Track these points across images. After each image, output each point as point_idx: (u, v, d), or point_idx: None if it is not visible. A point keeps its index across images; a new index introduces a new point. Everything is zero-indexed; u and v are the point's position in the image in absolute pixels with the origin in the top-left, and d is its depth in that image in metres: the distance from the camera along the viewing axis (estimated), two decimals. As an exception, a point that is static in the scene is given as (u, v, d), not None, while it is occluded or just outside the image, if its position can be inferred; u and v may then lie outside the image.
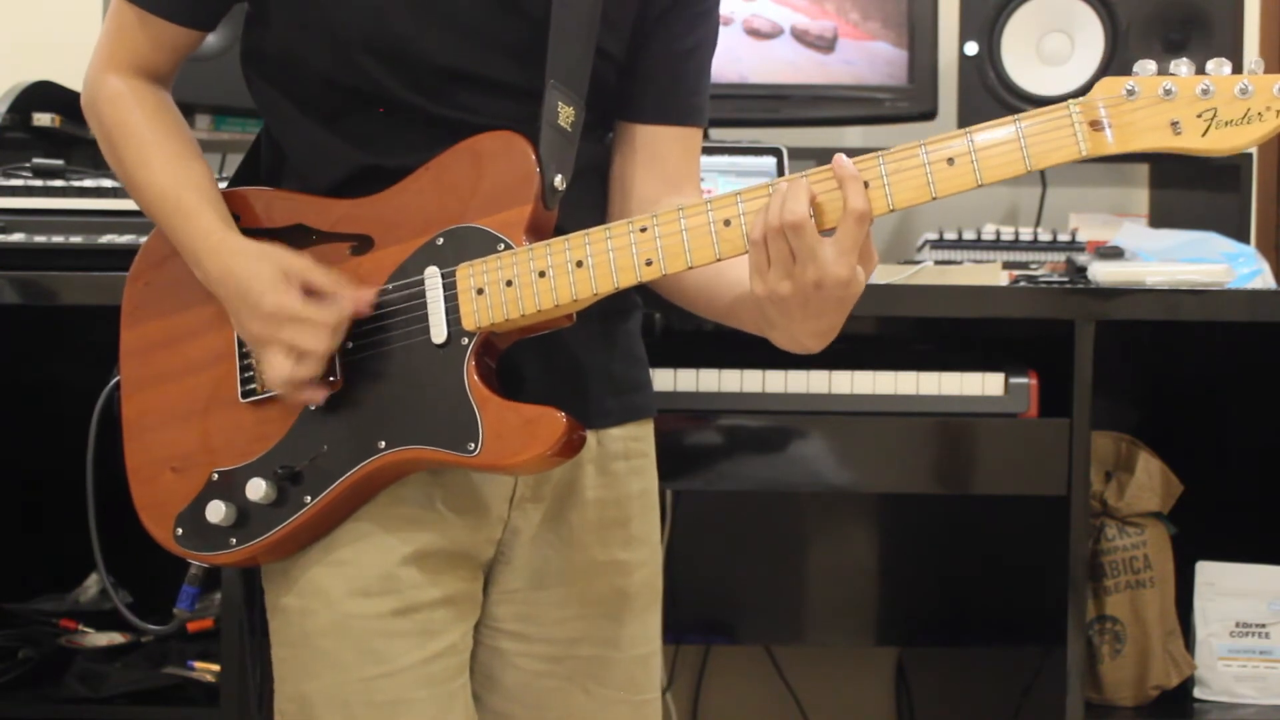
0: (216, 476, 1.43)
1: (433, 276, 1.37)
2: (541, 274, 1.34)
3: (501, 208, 1.37)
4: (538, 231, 1.37)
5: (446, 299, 1.37)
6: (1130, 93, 1.25)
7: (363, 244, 1.41)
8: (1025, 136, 1.26)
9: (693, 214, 1.32)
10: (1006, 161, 1.26)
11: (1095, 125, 1.25)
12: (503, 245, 1.36)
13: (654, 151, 1.52)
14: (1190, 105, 1.23)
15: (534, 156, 1.37)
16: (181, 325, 1.47)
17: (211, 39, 2.15)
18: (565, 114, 1.39)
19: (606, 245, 1.33)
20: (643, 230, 1.33)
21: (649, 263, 1.32)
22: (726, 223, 1.31)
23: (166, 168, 1.44)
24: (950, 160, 1.26)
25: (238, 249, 1.40)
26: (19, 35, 2.72)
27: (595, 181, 1.52)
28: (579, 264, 1.33)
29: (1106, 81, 1.26)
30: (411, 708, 1.41)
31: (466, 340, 1.36)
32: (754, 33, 2.50)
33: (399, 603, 1.41)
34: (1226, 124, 1.23)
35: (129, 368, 1.50)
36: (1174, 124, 1.24)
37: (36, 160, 2.14)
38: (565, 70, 1.40)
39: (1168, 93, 1.24)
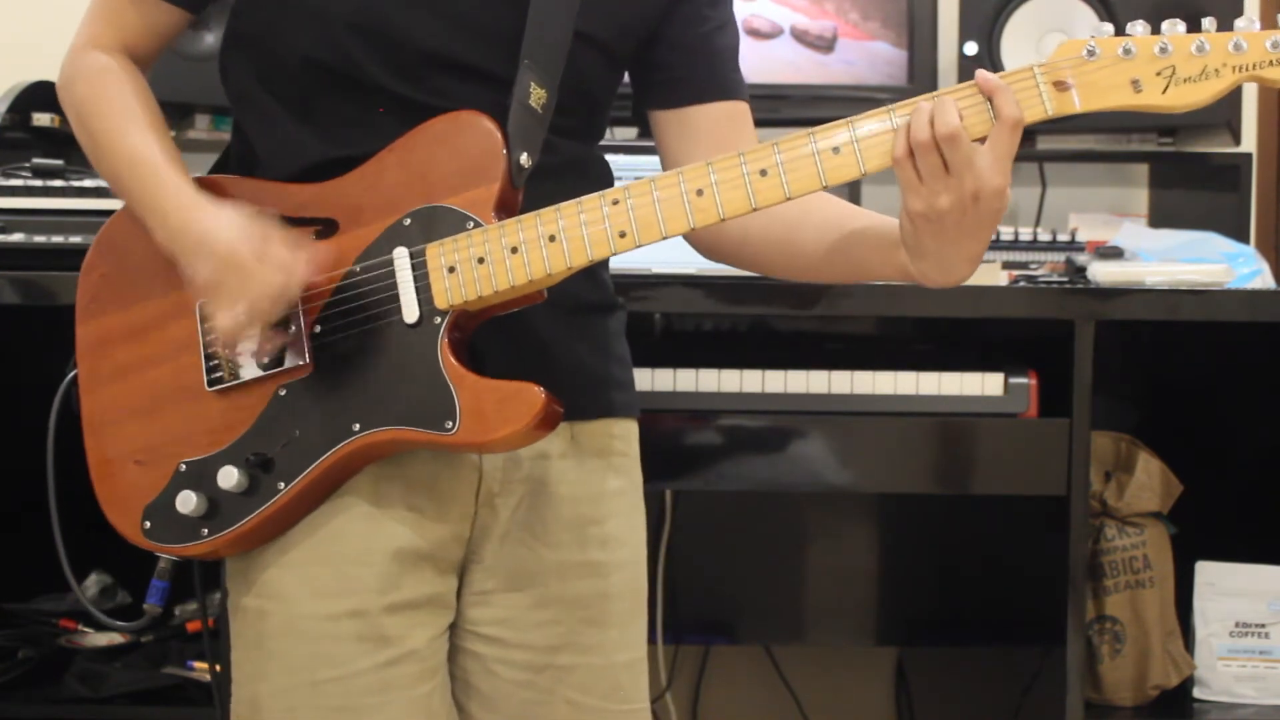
0: (184, 467, 1.40)
1: (401, 257, 1.36)
2: (514, 250, 1.33)
3: (468, 186, 1.36)
4: (505, 210, 1.36)
5: (416, 278, 1.35)
6: (1090, 53, 1.29)
7: (327, 228, 1.39)
8: None
9: (665, 185, 1.33)
10: (977, 121, 1.28)
11: (1060, 85, 1.28)
12: (472, 223, 1.35)
13: (701, 130, 1.52)
14: (1149, 63, 1.28)
15: (499, 134, 1.36)
16: (141, 316, 1.45)
17: (210, 39, 2.15)
18: (537, 95, 1.38)
19: (579, 219, 1.33)
20: (615, 203, 1.33)
21: (623, 234, 1.33)
22: (699, 192, 1.32)
23: (145, 135, 1.43)
24: None
25: (204, 204, 1.38)
26: (19, 35, 2.72)
27: (576, 181, 1.47)
28: (551, 238, 1.33)
29: (1067, 44, 1.30)
30: (362, 715, 1.38)
31: (439, 319, 1.35)
32: (754, 33, 2.49)
33: (354, 604, 1.38)
34: (1185, 81, 1.27)
35: (87, 363, 1.47)
36: (1135, 82, 1.28)
37: (36, 160, 2.14)
38: (540, 51, 1.39)
39: (1127, 52, 1.28)
